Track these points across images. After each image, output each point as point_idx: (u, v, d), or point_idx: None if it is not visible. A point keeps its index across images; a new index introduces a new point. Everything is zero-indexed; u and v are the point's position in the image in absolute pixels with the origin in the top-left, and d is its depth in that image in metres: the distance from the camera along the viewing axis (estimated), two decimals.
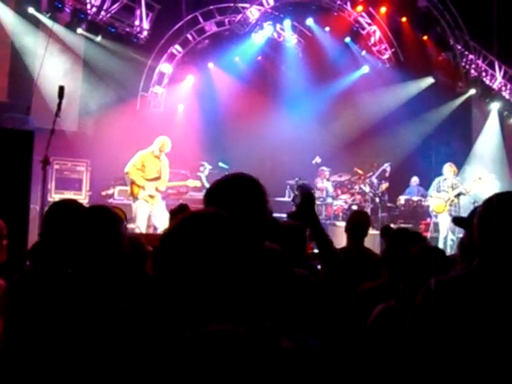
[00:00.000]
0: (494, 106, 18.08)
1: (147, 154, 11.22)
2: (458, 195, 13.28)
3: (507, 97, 17.99)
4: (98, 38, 14.10)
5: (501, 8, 16.89)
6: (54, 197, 12.26)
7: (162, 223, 10.49)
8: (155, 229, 10.79)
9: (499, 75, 17.77)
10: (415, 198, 14.75)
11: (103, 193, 13.28)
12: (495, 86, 17.81)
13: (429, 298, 2.45)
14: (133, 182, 11.01)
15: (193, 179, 12.43)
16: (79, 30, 13.92)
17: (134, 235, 5.89)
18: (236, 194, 2.50)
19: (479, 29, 16.54)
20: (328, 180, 14.79)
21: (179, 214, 6.82)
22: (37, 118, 11.79)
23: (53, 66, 13.48)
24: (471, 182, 13.57)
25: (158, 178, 11.20)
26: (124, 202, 12.23)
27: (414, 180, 15.51)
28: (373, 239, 12.36)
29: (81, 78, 14.54)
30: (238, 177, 2.65)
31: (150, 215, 11.07)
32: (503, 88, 17.92)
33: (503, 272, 2.38)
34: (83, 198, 12.69)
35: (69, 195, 12.57)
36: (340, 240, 7.71)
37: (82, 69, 14.55)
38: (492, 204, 2.52)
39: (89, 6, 13.74)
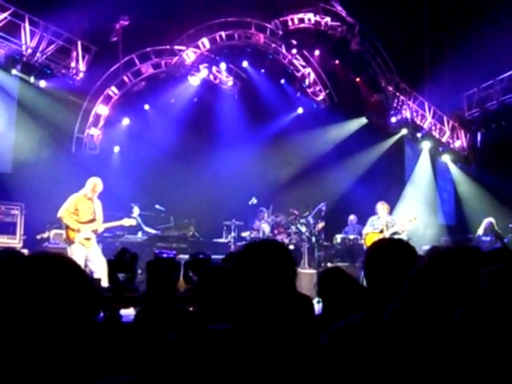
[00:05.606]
0: (425, 145, 18.61)
1: (80, 197, 11.00)
2: (393, 234, 13.44)
3: (437, 136, 18.56)
4: (33, 79, 13.95)
5: (431, 52, 17.59)
6: None
7: (99, 268, 10.27)
8: (91, 273, 10.53)
9: (429, 115, 18.35)
10: (351, 237, 14.92)
11: (38, 236, 13.00)
12: (426, 125, 18.37)
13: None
14: (67, 227, 10.77)
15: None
16: (14, 71, 13.75)
17: None
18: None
19: (409, 71, 17.14)
20: (266, 221, 14.86)
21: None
22: None
23: None
24: (407, 222, 13.81)
25: (92, 220, 11.02)
26: (60, 245, 12.02)
27: (353, 218, 15.65)
28: (310, 278, 12.51)
29: (15, 119, 14.34)
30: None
31: (86, 259, 10.85)
32: (433, 128, 18.51)
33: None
34: (17, 242, 12.39)
35: (2, 239, 12.28)
36: None
37: (17, 110, 14.34)
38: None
39: (24, 48, 13.64)
